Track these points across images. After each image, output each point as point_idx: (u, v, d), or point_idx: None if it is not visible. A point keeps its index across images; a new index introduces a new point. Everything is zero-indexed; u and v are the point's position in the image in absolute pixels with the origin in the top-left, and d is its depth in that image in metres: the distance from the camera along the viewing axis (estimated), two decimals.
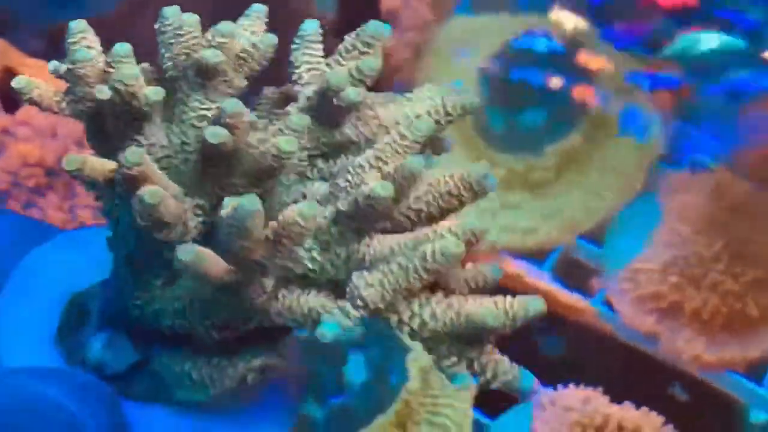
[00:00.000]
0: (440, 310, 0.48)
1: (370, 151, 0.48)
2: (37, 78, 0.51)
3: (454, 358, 0.49)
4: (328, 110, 0.49)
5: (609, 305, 1.02)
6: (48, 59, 0.94)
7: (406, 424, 0.48)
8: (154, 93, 0.47)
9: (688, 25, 1.06)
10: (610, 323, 1.03)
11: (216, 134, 0.45)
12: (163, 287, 0.50)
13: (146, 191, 0.44)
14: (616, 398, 0.94)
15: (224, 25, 0.49)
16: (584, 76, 1.08)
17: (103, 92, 0.47)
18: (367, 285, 0.46)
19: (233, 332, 0.50)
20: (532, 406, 0.94)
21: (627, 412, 0.93)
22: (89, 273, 0.53)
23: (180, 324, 0.50)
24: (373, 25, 0.53)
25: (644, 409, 0.93)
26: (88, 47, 0.50)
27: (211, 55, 0.47)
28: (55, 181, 0.86)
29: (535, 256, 1.06)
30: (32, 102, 0.50)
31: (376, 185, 0.46)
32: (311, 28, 0.52)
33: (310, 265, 0.48)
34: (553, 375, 0.98)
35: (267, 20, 0.53)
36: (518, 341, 1.05)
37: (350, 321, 0.46)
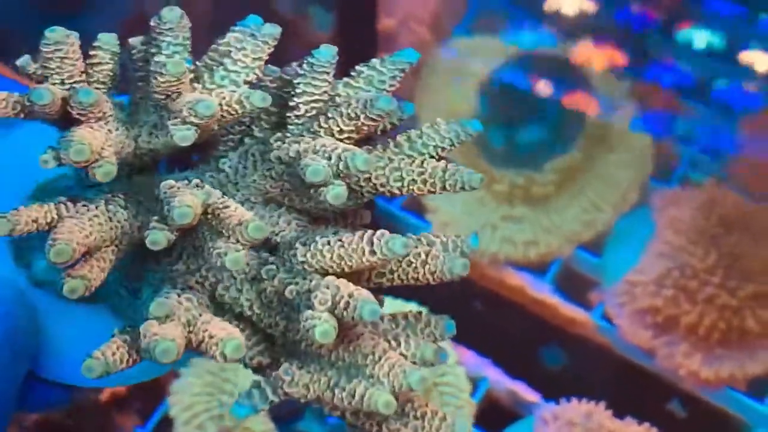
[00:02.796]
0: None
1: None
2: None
3: None
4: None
5: (608, 319, 1.00)
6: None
7: None
8: None
9: (682, 18, 1.07)
10: (608, 337, 1.00)
11: None
12: None
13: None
14: (616, 413, 0.92)
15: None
16: (583, 81, 1.08)
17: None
18: (293, 383, 0.43)
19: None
20: (533, 421, 0.92)
21: (629, 427, 0.90)
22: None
23: None
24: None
25: (646, 424, 0.91)
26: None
27: None
28: None
29: (537, 268, 1.04)
30: None
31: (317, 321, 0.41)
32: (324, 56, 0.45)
33: (247, 312, 0.45)
34: (554, 388, 0.96)
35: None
36: (521, 353, 1.05)
37: (266, 405, 0.44)
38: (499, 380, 0.97)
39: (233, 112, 0.43)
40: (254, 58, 0.44)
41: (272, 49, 0.45)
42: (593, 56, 1.09)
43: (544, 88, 1.09)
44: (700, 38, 1.07)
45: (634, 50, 1.10)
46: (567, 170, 1.05)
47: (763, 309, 0.96)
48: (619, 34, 1.10)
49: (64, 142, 0.41)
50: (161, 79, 0.43)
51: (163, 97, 0.43)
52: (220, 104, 0.43)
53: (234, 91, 0.43)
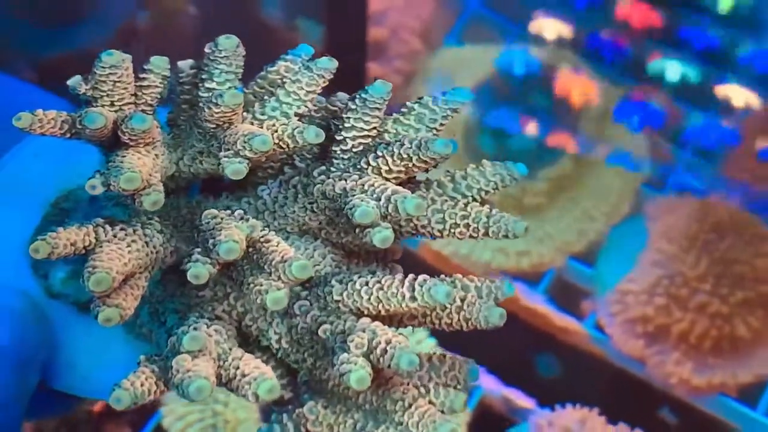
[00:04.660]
0: None
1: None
2: None
3: None
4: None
5: (600, 328, 1.00)
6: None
7: None
8: None
9: (654, 48, 1.07)
10: (601, 347, 1.00)
11: None
12: None
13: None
14: (610, 419, 0.92)
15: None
16: (566, 114, 1.08)
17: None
18: (317, 422, 0.43)
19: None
20: (528, 427, 0.92)
21: None
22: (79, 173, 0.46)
23: None
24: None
25: (638, 430, 0.91)
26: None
27: None
28: None
29: (530, 278, 1.04)
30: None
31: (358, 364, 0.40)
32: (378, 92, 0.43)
33: (275, 345, 0.44)
34: (549, 395, 0.95)
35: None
36: (515, 362, 1.05)
37: None
38: (493, 389, 0.97)
39: (284, 146, 0.42)
40: (308, 91, 0.43)
41: (327, 83, 0.43)
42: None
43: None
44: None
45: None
46: (559, 179, 1.05)
47: (754, 316, 0.97)
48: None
49: (114, 168, 0.40)
50: (216, 110, 0.41)
51: (214, 126, 0.42)
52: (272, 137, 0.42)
53: (285, 125, 0.42)
